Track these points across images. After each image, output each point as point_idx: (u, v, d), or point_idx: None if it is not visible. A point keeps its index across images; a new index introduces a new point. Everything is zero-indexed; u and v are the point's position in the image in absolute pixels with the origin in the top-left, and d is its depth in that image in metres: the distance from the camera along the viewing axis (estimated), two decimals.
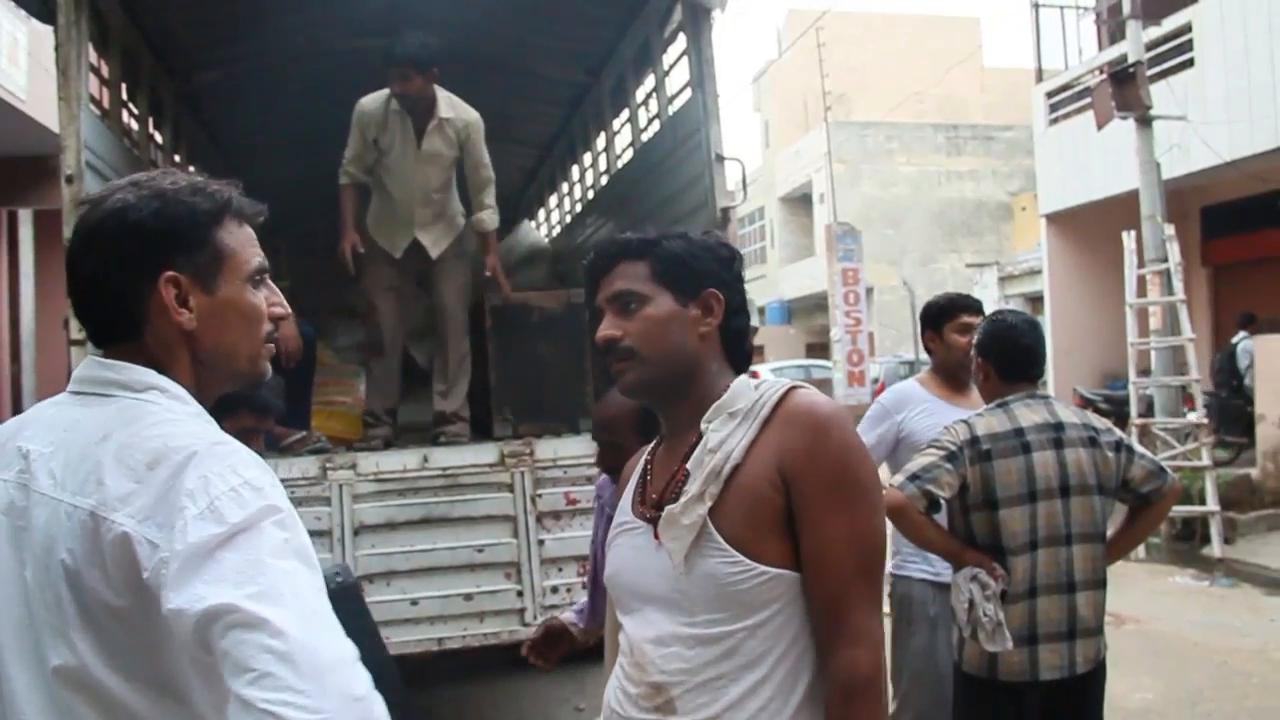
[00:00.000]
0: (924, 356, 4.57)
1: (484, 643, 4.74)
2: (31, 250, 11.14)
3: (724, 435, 1.87)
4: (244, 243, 1.66)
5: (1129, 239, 11.26)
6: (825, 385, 22.62)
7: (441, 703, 6.29)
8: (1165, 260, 10.95)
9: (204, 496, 1.38)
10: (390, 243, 5.73)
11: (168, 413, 1.54)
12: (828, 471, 1.81)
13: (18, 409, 10.94)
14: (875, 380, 21.11)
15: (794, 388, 1.92)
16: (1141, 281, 11.23)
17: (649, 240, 1.98)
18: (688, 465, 1.89)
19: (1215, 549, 9.75)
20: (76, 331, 4.25)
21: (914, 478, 3.29)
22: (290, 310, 1.76)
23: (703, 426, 1.91)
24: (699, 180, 5.16)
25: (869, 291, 22.98)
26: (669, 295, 1.95)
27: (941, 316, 4.14)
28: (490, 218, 5.70)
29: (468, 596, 4.71)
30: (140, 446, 1.46)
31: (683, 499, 1.85)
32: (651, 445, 2.13)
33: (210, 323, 1.60)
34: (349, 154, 5.68)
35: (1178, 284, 10.77)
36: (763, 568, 1.79)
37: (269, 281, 1.71)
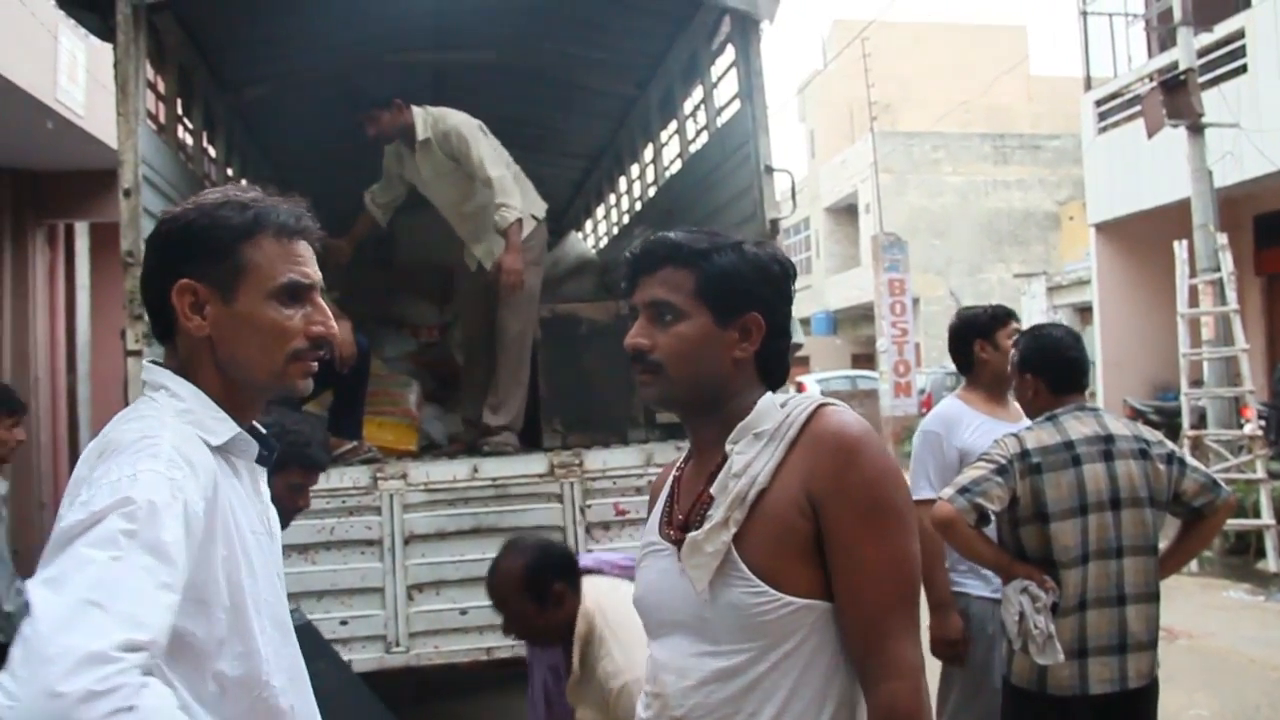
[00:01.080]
0: None
1: None
2: (88, 263, 11.31)
3: (749, 458, 1.79)
4: (275, 259, 1.72)
5: (1180, 248, 11.15)
6: (871, 396, 22.54)
7: (492, 712, 6.31)
8: (1218, 269, 10.85)
9: (95, 486, 1.46)
10: (468, 257, 5.98)
11: (152, 408, 1.65)
12: (859, 497, 1.73)
13: (73, 418, 11.13)
14: (922, 391, 21.00)
15: (822, 405, 1.82)
16: (1194, 291, 11.11)
17: (699, 251, 1.87)
18: (712, 489, 1.82)
19: (1271, 563, 9.62)
20: (133, 342, 4.32)
21: (964, 490, 3.29)
22: (335, 330, 1.81)
23: (728, 448, 1.83)
24: (748, 192, 5.16)
25: (915, 302, 22.86)
26: (708, 314, 1.85)
27: (994, 324, 4.13)
28: (503, 214, 5.40)
29: None
30: (107, 437, 1.59)
31: (706, 525, 1.78)
32: (680, 460, 2.06)
33: (225, 332, 1.70)
34: (379, 184, 6.00)
35: (1231, 294, 10.67)
36: (789, 598, 1.72)
37: (316, 299, 1.77)
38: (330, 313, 1.80)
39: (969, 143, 31.71)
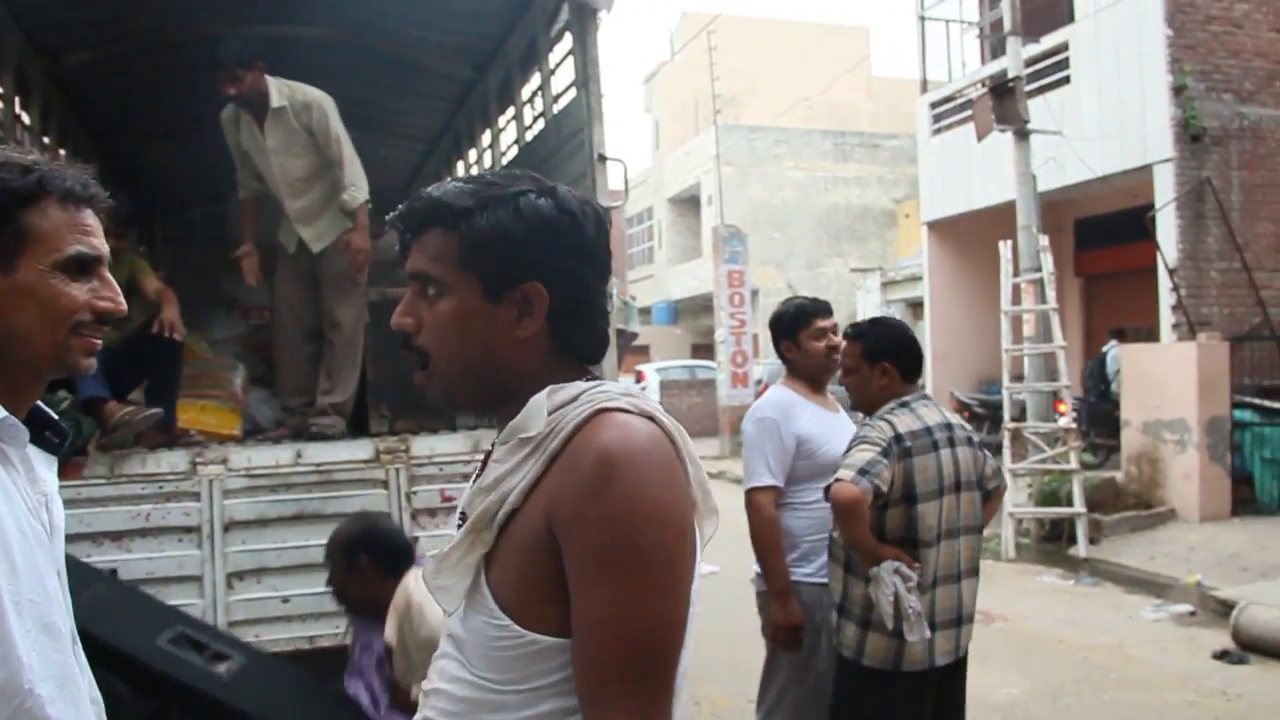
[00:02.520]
0: None
1: None
2: None
3: (504, 470, 1.50)
4: (61, 228, 1.59)
5: (1005, 248, 11.57)
6: (710, 386, 22.82)
7: None
8: (1039, 269, 11.29)
9: None
10: (286, 239, 5.78)
11: None
12: (596, 534, 1.40)
13: None
14: (759, 381, 21.31)
15: (600, 412, 1.47)
16: (1016, 290, 11.55)
17: (462, 210, 1.53)
18: (459, 502, 1.59)
19: (1081, 549, 10.10)
20: None
21: (863, 472, 3.40)
22: (123, 308, 1.68)
23: (494, 450, 1.57)
24: (581, 180, 5.15)
25: (754, 294, 23.19)
26: (476, 287, 1.54)
27: (795, 325, 4.15)
28: (353, 194, 5.44)
29: None
30: None
31: (448, 545, 1.53)
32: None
33: (2, 304, 1.55)
34: (237, 166, 5.79)
35: (1050, 293, 11.12)
36: (533, 636, 1.45)
37: (104, 274, 1.64)
38: (118, 287, 1.67)
39: (810, 139, 32.30)
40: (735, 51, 32.33)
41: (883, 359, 3.71)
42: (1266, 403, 11.52)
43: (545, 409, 1.50)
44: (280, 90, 5.42)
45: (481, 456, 1.72)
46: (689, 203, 34.78)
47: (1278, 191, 13.22)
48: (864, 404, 3.78)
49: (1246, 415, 11.33)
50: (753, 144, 31.42)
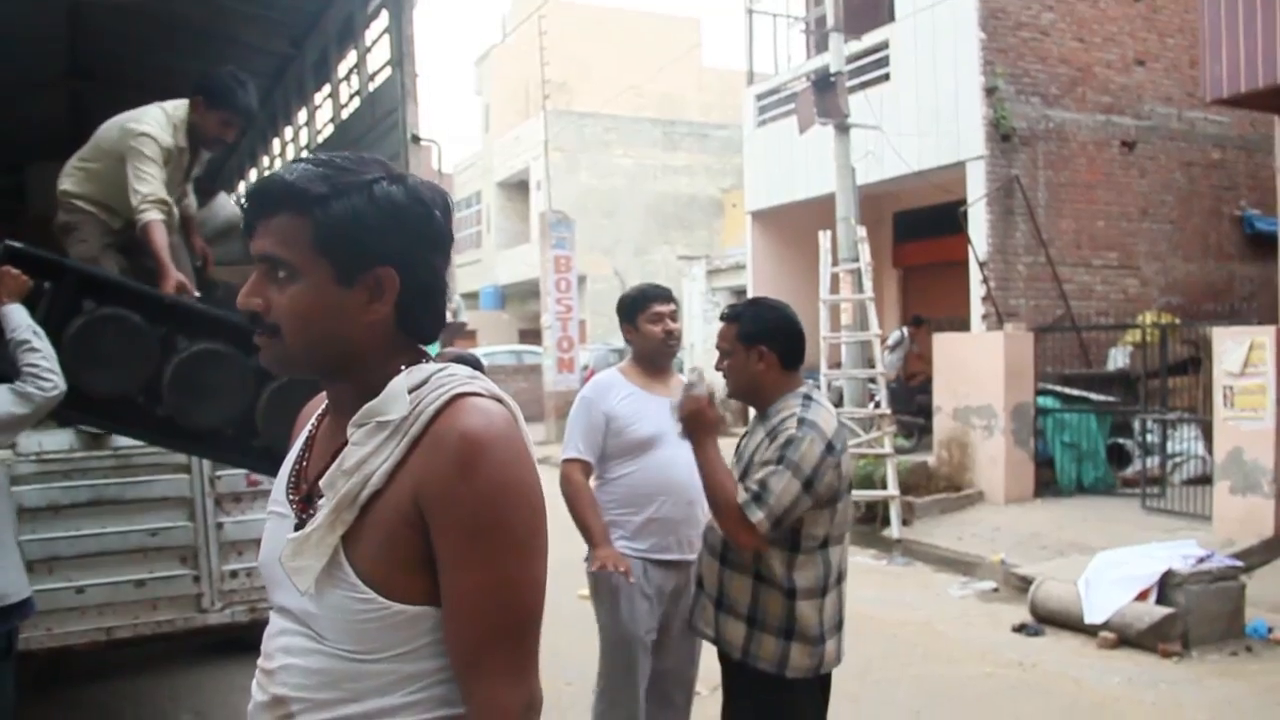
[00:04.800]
0: None
1: (158, 631, 4.52)
2: None
3: (366, 453, 1.56)
4: None
5: (825, 238, 11.85)
6: (536, 371, 22.80)
7: (116, 697, 5.94)
8: (857, 260, 11.59)
9: None
10: (110, 218, 5.07)
11: None
12: (468, 514, 1.51)
13: None
14: (585, 367, 21.39)
15: (459, 396, 1.58)
16: (835, 279, 11.86)
17: (316, 196, 1.55)
18: (321, 483, 1.59)
19: (894, 531, 10.48)
20: None
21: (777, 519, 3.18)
22: None
23: (349, 432, 1.59)
24: (394, 160, 5.05)
25: (581, 280, 23.27)
26: (328, 271, 1.56)
27: (634, 308, 4.27)
28: (196, 200, 5.41)
29: (140, 583, 4.47)
30: None
31: (310, 526, 1.57)
32: (322, 403, 1.80)
33: None
34: (154, 188, 4.66)
35: (867, 283, 11.44)
36: (399, 606, 1.54)
37: None
38: None
39: (640, 127, 32.53)
40: (567, 37, 32.26)
41: (759, 342, 3.42)
42: (1067, 390, 12.16)
43: (406, 394, 1.58)
44: None
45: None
46: (518, 187, 34.62)
47: (1080, 191, 13.92)
48: (743, 391, 3.51)
49: (1049, 402, 11.91)
50: (582, 130, 31.47)
